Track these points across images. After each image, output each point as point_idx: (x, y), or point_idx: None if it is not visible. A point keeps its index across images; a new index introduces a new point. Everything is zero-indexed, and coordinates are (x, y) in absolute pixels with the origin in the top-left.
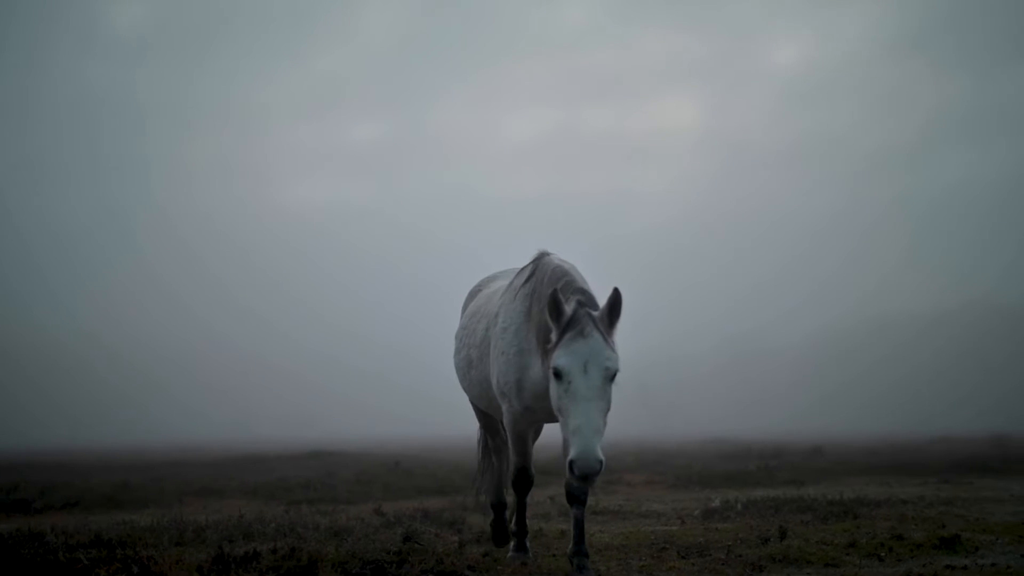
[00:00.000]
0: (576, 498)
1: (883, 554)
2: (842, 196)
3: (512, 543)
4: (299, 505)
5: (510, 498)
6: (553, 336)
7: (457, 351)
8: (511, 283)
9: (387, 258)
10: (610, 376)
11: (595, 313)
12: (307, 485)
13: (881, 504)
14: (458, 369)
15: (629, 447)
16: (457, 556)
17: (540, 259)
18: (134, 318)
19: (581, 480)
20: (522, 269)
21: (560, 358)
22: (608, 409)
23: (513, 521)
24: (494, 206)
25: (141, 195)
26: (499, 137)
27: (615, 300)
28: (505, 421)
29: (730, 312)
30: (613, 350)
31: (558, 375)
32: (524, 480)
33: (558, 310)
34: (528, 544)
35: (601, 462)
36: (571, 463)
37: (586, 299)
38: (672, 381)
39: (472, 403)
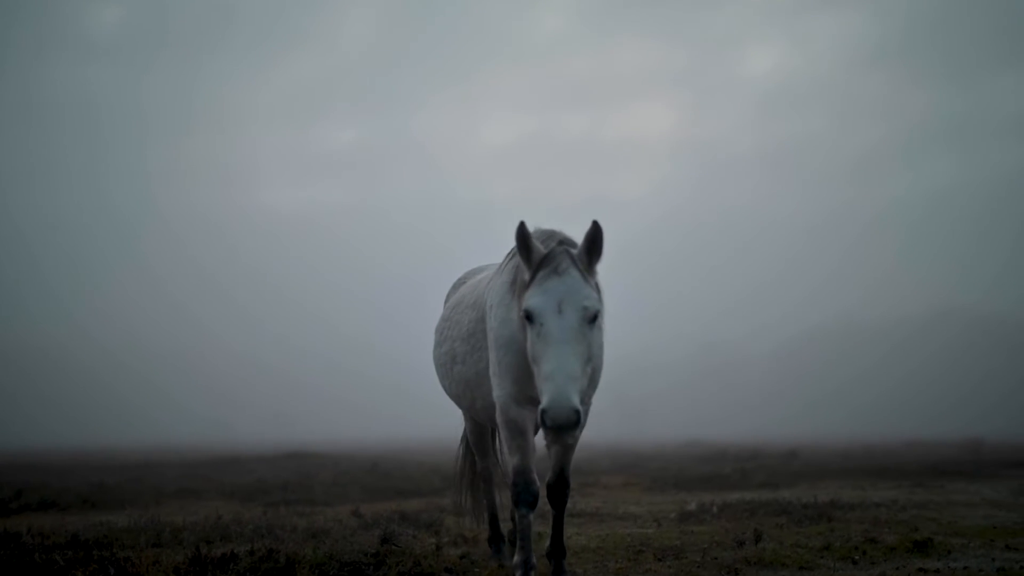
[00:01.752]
0: (558, 502)
1: (857, 557)
2: (821, 204)
3: None
4: (277, 507)
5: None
6: (526, 277)
7: (438, 344)
8: (499, 265)
9: (370, 258)
10: (589, 317)
11: (574, 251)
12: (285, 486)
13: (855, 507)
14: (438, 365)
15: (605, 450)
16: (435, 558)
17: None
18: (126, 315)
19: (555, 432)
20: (510, 250)
21: (531, 298)
22: (589, 356)
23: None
24: (473, 209)
25: (136, 196)
26: (478, 142)
27: (595, 234)
28: (498, 414)
29: (708, 318)
30: (594, 289)
31: (530, 318)
32: (527, 486)
33: (527, 246)
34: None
35: (577, 411)
36: (542, 412)
37: (569, 243)
38: (650, 387)
39: (457, 404)
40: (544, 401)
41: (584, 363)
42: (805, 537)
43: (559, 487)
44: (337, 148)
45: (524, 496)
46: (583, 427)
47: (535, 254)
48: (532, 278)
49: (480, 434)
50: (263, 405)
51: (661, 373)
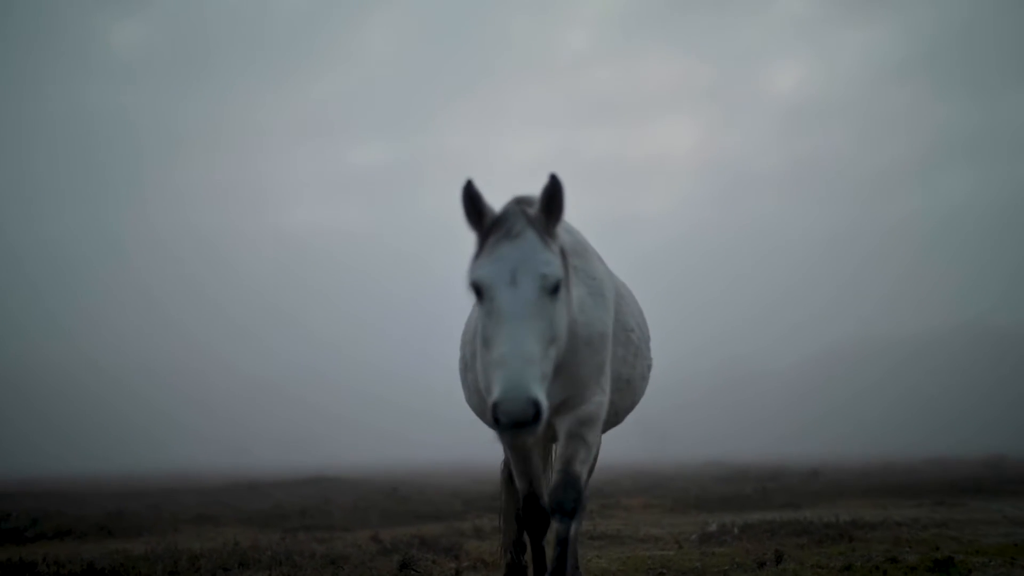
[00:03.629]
0: (561, 508)
1: None
2: (839, 220)
3: None
4: (295, 532)
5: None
6: (475, 245)
7: (460, 357)
8: None
9: (387, 280)
10: (549, 287)
11: (531, 211)
12: (303, 512)
13: (876, 527)
14: (462, 381)
15: (626, 471)
16: None
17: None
18: (133, 342)
19: (510, 431)
20: None
21: (479, 268)
22: (552, 336)
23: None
24: None
25: (137, 218)
26: (500, 159)
27: (552, 189)
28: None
29: (727, 335)
30: (553, 252)
31: (478, 292)
32: (535, 513)
33: (475, 207)
34: None
35: (536, 403)
36: (493, 407)
37: (530, 201)
38: (670, 405)
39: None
40: (495, 392)
41: (546, 343)
42: (826, 557)
43: (564, 490)
44: (359, 167)
45: (534, 527)
46: (597, 422)
47: (486, 217)
48: (482, 245)
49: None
50: (281, 430)
51: (682, 390)
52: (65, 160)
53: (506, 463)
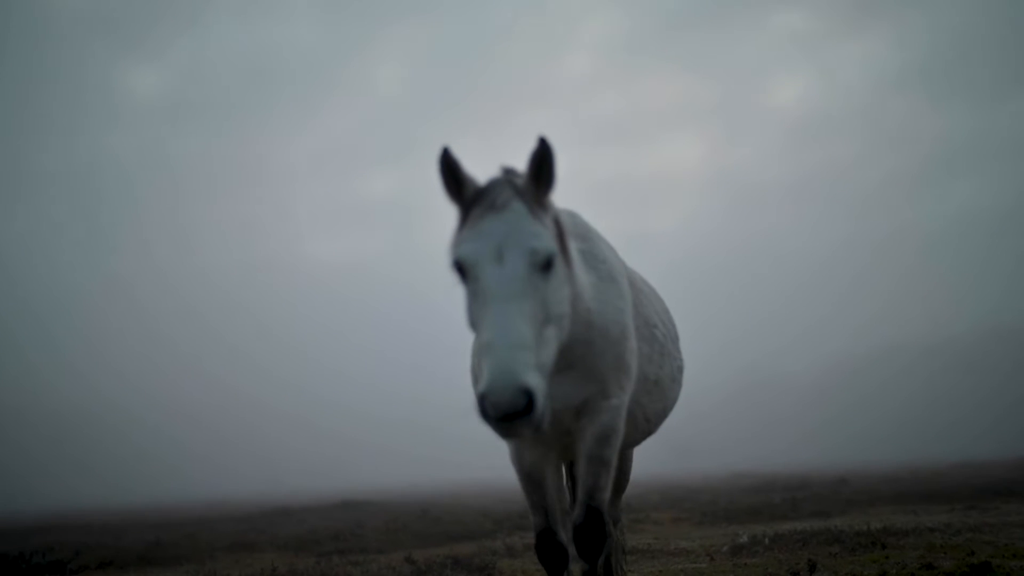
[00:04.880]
0: (586, 553)
1: None
2: (849, 226)
3: None
4: (330, 556)
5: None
6: (457, 220)
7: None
8: None
9: (407, 308)
10: (540, 262)
11: (519, 180)
12: (337, 536)
13: (909, 533)
14: (473, 389)
15: (654, 485)
16: None
17: None
18: (152, 382)
19: (501, 425)
20: None
21: (462, 244)
22: (548, 315)
23: None
24: None
25: (142, 261)
26: None
27: (543, 154)
28: (511, 458)
29: (747, 345)
30: (543, 224)
31: (462, 271)
32: (550, 548)
33: (454, 177)
34: None
35: (529, 393)
36: (480, 398)
37: (518, 172)
38: (694, 417)
39: None
40: (482, 383)
41: (539, 326)
42: (860, 566)
43: (589, 527)
44: (372, 198)
45: (552, 564)
46: (615, 434)
47: (467, 187)
48: (464, 219)
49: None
50: (307, 459)
51: (704, 403)
52: (83, 205)
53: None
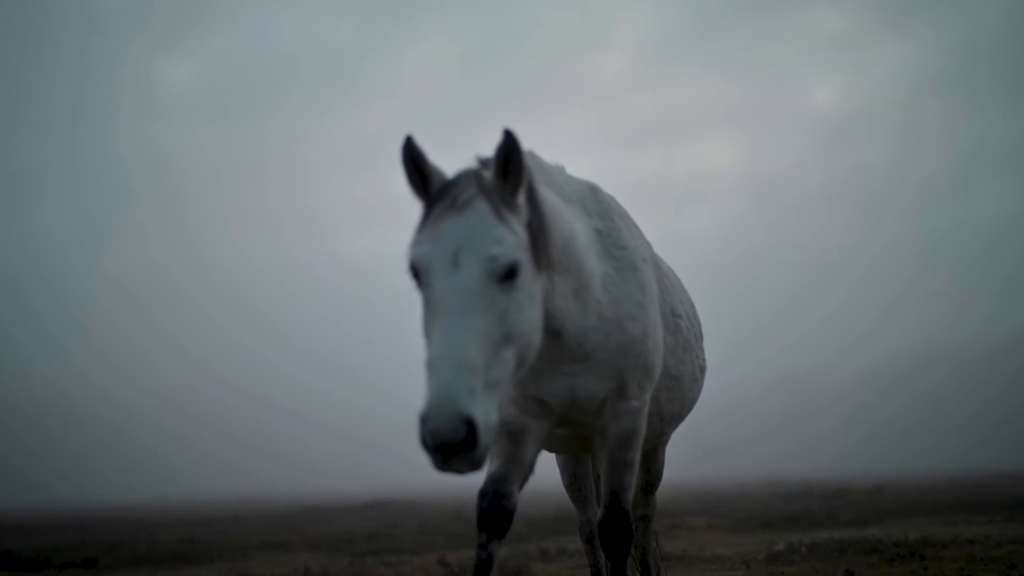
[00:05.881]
0: (613, 543)
1: None
2: (888, 232)
3: None
4: (363, 557)
5: None
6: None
7: None
8: None
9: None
10: (499, 271)
11: (486, 174)
12: (371, 536)
13: (948, 544)
14: None
15: (689, 490)
16: None
17: None
18: (161, 383)
19: (438, 455)
20: None
21: (417, 246)
22: (506, 332)
23: None
24: None
25: (183, 252)
26: None
27: (508, 147)
28: None
29: (782, 351)
30: (509, 228)
31: (416, 275)
32: (491, 500)
33: (418, 170)
34: None
35: (469, 422)
36: (421, 421)
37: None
38: (729, 423)
39: None
40: (423, 403)
41: (493, 344)
42: None
43: (613, 524)
44: (399, 197)
45: (484, 511)
46: (636, 436)
47: (432, 181)
48: (425, 217)
49: (572, 474)
50: (337, 463)
51: (739, 408)
52: (111, 197)
53: (584, 523)
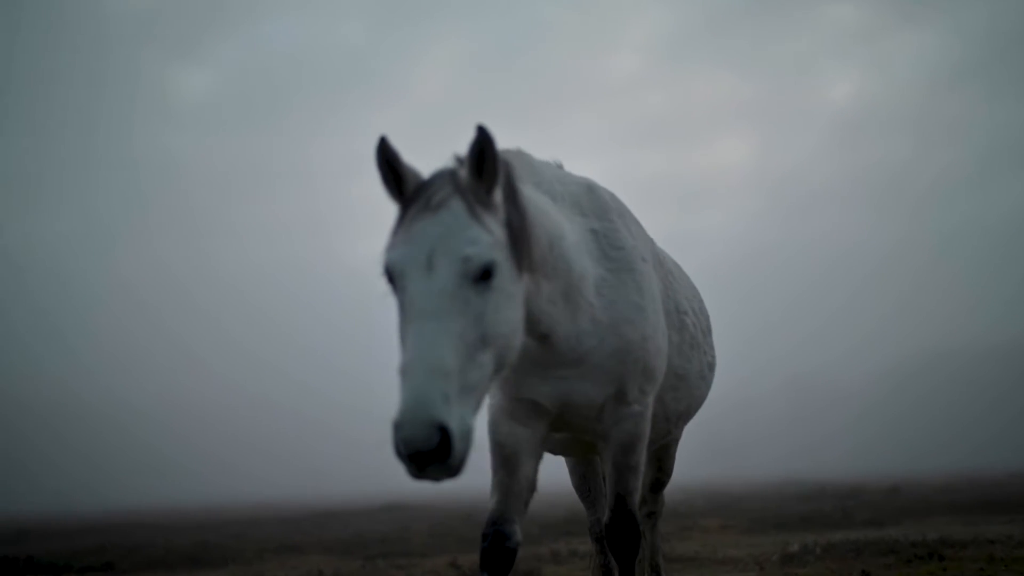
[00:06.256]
0: (620, 545)
1: None
2: (902, 229)
3: None
4: (375, 560)
5: None
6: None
7: None
8: None
9: None
10: (474, 272)
11: (463, 173)
12: (383, 539)
13: (967, 545)
14: None
15: (700, 490)
16: None
17: None
18: (171, 386)
19: (412, 463)
20: None
21: (391, 249)
22: (482, 335)
23: None
24: None
25: (150, 263)
26: None
27: (482, 144)
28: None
29: (794, 350)
30: (484, 227)
31: (390, 279)
32: (494, 542)
33: (393, 172)
34: None
35: (444, 429)
36: (394, 428)
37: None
38: (741, 422)
39: None
40: (397, 410)
41: (468, 347)
42: None
43: (620, 528)
44: None
45: (486, 551)
46: (639, 439)
47: (408, 182)
48: (400, 219)
49: (582, 474)
50: (349, 466)
51: (751, 407)
52: (127, 202)
53: (595, 523)
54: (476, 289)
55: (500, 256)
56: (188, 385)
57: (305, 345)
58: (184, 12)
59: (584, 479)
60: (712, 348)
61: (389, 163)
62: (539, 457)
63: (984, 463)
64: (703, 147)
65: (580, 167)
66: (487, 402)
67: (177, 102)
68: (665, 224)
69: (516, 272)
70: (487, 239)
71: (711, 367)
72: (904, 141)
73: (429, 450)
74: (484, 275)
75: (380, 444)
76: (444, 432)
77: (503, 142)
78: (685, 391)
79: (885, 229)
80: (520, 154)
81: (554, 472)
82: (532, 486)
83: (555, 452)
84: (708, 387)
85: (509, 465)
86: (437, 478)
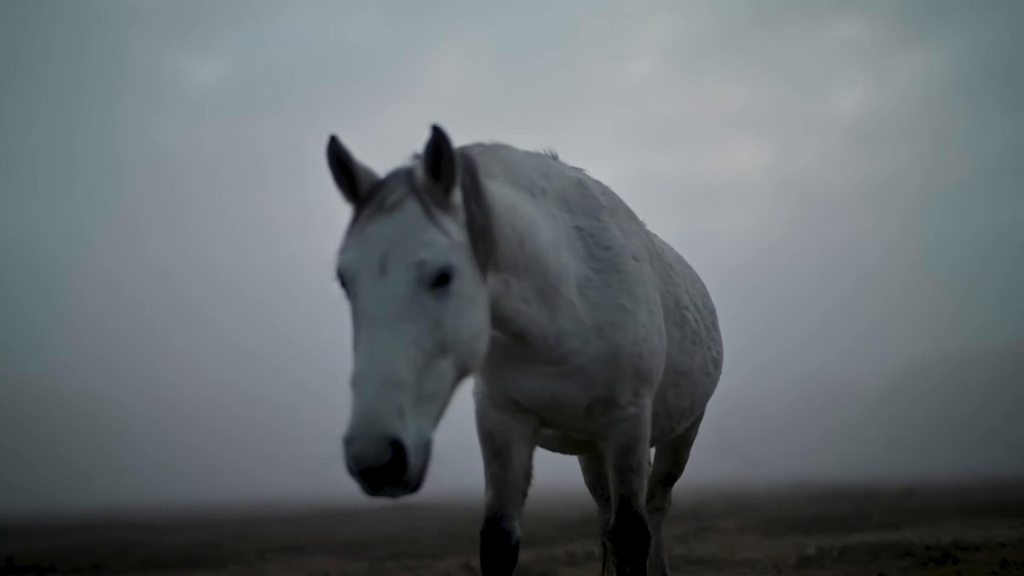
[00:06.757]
0: (627, 549)
1: None
2: (915, 232)
3: None
4: (383, 561)
5: None
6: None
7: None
8: None
9: None
10: (429, 277)
11: (419, 173)
12: (391, 540)
13: (980, 548)
14: None
15: (717, 492)
16: None
17: None
18: (158, 383)
19: (363, 482)
20: None
21: (342, 254)
22: (440, 342)
23: None
24: None
25: (136, 257)
26: None
27: (437, 143)
28: (476, 422)
29: (809, 351)
30: (441, 229)
31: (343, 283)
32: (493, 541)
33: (348, 171)
34: None
35: (397, 444)
36: (344, 444)
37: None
38: (754, 421)
39: None
40: (345, 426)
41: (425, 356)
42: None
43: (628, 530)
44: None
45: (486, 551)
46: (640, 440)
47: (362, 183)
48: (354, 220)
49: (595, 473)
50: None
51: (767, 409)
52: (125, 194)
53: (605, 522)
54: (433, 294)
55: (459, 259)
56: (172, 381)
57: (304, 343)
58: (198, 2)
59: (597, 478)
60: (717, 343)
61: (340, 162)
62: (533, 445)
63: (999, 466)
64: (717, 152)
65: (595, 168)
66: (473, 391)
67: (172, 91)
68: (678, 226)
69: (479, 274)
70: (443, 242)
71: (716, 362)
72: (913, 150)
73: (381, 466)
74: (441, 279)
75: (331, 459)
76: (398, 447)
77: (514, 140)
78: (687, 388)
79: (896, 234)
80: (496, 148)
81: (569, 472)
82: (528, 475)
83: (552, 449)
84: (714, 382)
85: (501, 456)
86: (393, 495)
